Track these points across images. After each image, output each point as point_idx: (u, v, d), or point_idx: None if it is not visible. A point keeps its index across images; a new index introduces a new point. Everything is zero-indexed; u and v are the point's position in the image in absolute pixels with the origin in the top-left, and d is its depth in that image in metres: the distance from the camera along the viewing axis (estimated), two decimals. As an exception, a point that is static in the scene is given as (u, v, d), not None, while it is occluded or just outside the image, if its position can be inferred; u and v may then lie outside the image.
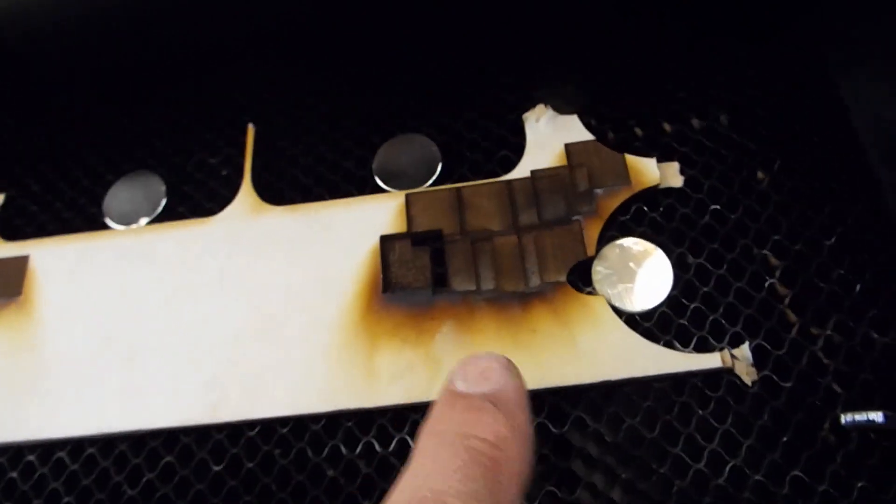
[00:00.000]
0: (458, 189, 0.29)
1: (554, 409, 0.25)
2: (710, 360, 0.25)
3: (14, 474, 0.27)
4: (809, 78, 0.30)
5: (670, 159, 0.29)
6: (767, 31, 0.32)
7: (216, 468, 0.26)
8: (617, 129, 0.30)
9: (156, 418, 0.26)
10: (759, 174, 0.29)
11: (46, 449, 0.27)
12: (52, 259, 0.30)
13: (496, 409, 0.18)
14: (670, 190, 0.28)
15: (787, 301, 0.26)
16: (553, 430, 0.25)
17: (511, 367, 0.19)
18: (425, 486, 0.16)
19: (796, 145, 0.29)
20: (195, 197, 0.31)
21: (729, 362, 0.25)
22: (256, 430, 0.26)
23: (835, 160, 0.28)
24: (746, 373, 0.24)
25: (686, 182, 0.28)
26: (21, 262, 0.30)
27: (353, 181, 0.31)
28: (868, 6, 0.30)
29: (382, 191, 0.30)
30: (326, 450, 0.26)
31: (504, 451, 0.17)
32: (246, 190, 0.30)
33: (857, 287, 0.26)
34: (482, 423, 0.17)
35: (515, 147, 0.30)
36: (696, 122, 0.30)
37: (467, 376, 0.19)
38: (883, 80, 0.29)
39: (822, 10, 0.31)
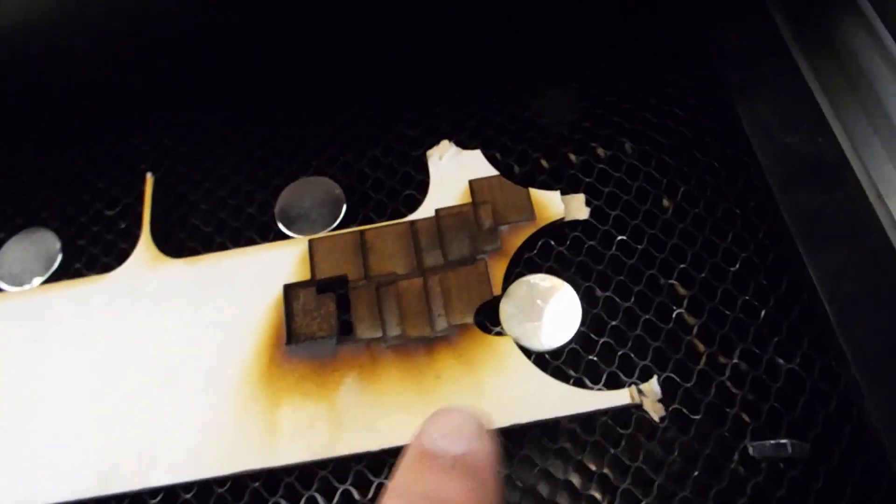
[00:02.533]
0: (362, 232, 0.28)
1: (464, 456, 0.25)
2: (619, 398, 0.24)
3: None
4: (710, 103, 0.30)
5: (576, 190, 0.29)
6: (666, 58, 0.32)
7: (115, 542, 0.25)
8: (522, 162, 0.30)
9: (45, 493, 0.25)
10: (665, 202, 0.28)
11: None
12: (-62, 326, 0.29)
13: (465, 474, 0.17)
14: (576, 222, 0.28)
15: (695, 331, 0.26)
16: (463, 479, 0.24)
17: (485, 429, 0.19)
18: None
19: (699, 171, 0.29)
20: (92, 252, 0.30)
21: (637, 398, 0.24)
22: (159, 497, 0.25)
23: (737, 185, 0.28)
24: (653, 409, 0.24)
25: (592, 213, 0.28)
26: None
27: (255, 227, 0.30)
28: (757, 28, 0.30)
29: (285, 237, 0.29)
30: (231, 514, 0.25)
31: None
32: (144, 243, 0.29)
33: (762, 313, 0.26)
34: (449, 490, 0.17)
35: (420, 185, 0.30)
36: (601, 152, 0.30)
37: (440, 432, 0.18)
38: (779, 102, 0.29)
39: (718, 34, 0.31)
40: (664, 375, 0.25)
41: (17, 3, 0.28)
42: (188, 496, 0.25)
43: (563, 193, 0.28)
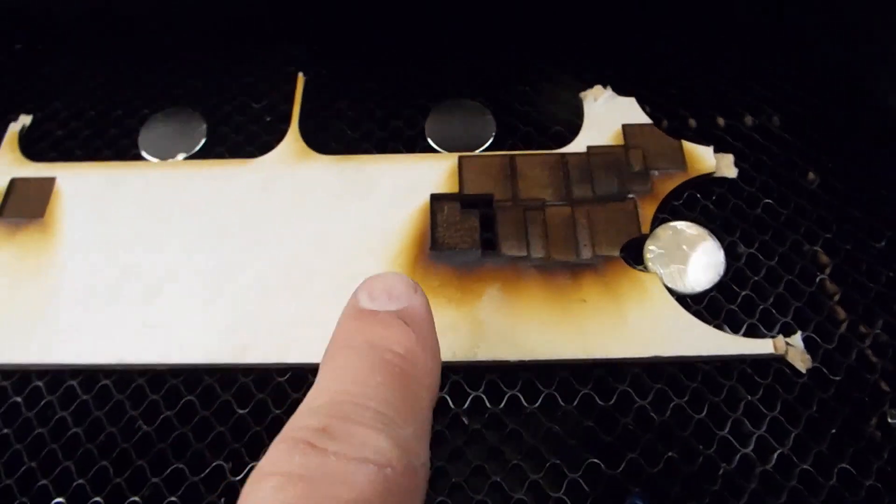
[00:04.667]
0: (512, 157, 0.28)
1: (600, 381, 0.25)
2: (763, 346, 0.24)
3: (18, 399, 0.25)
4: (859, 88, 0.31)
5: (723, 151, 0.29)
6: (820, 38, 0.32)
7: (240, 411, 0.24)
8: (671, 118, 0.30)
9: (179, 355, 0.25)
10: (811, 175, 0.29)
11: (55, 376, 0.25)
12: (79, 184, 0.29)
13: (406, 325, 0.18)
14: (723, 180, 0.28)
15: (836, 298, 0.26)
16: (599, 402, 0.24)
17: (417, 287, 0.19)
18: (342, 389, 0.16)
19: (846, 150, 0.29)
20: (236, 139, 0.30)
21: (783, 349, 0.24)
22: (287, 376, 0.25)
23: (885, 167, 0.29)
24: (801, 360, 0.24)
25: (739, 175, 0.28)
26: (47, 184, 0.29)
27: (401, 140, 0.30)
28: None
29: (434, 151, 0.29)
30: (360, 402, 0.24)
31: (416, 365, 0.17)
32: (292, 136, 0.29)
33: (907, 290, 0.26)
34: (394, 338, 0.17)
35: (569, 125, 0.30)
36: (749, 120, 0.30)
37: (373, 294, 0.18)
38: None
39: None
40: (805, 335, 0.25)
41: None
42: (314, 378, 0.25)
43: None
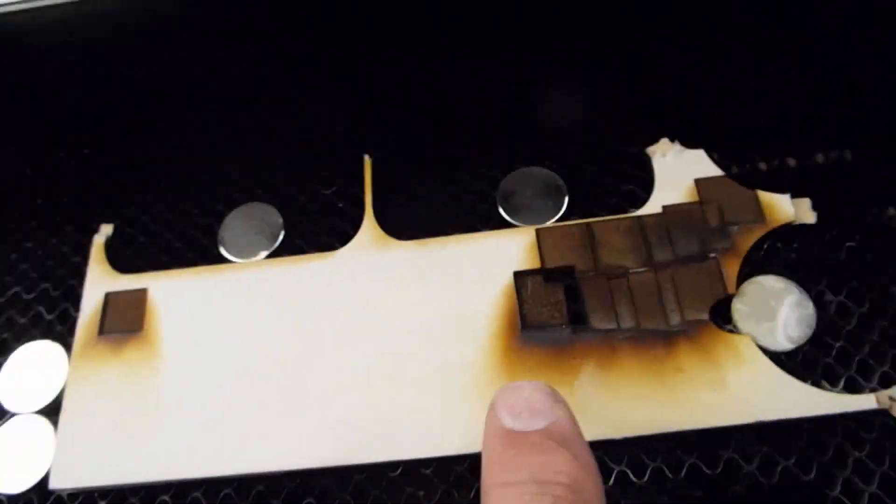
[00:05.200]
0: (589, 224, 0.29)
1: (705, 450, 0.25)
2: (865, 402, 0.25)
3: (149, 516, 0.26)
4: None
5: (797, 194, 0.29)
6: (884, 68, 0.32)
7: (360, 510, 0.25)
8: (740, 163, 0.30)
9: (293, 459, 0.26)
10: (891, 211, 0.29)
11: (180, 489, 0.27)
12: (170, 292, 0.30)
13: (560, 445, 0.17)
14: (802, 226, 0.28)
15: (932, 341, 0.26)
16: (706, 471, 0.25)
17: (556, 395, 0.18)
18: None
19: (926, 182, 0.29)
20: (312, 230, 0.31)
21: (887, 403, 0.24)
22: (399, 471, 0.26)
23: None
24: (906, 415, 0.24)
25: (818, 218, 0.28)
26: (140, 296, 0.30)
27: (474, 215, 0.30)
28: None
29: (508, 225, 0.30)
30: (472, 492, 0.25)
31: (584, 494, 0.16)
32: (368, 223, 0.30)
33: None
34: (556, 466, 0.16)
35: (639, 181, 0.30)
36: (820, 157, 0.30)
37: (515, 410, 0.18)
38: None
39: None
40: (906, 383, 0.25)
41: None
42: (427, 471, 0.26)
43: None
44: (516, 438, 0.17)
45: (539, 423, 0.17)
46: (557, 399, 0.18)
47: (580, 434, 0.18)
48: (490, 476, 0.17)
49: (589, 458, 0.17)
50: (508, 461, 0.17)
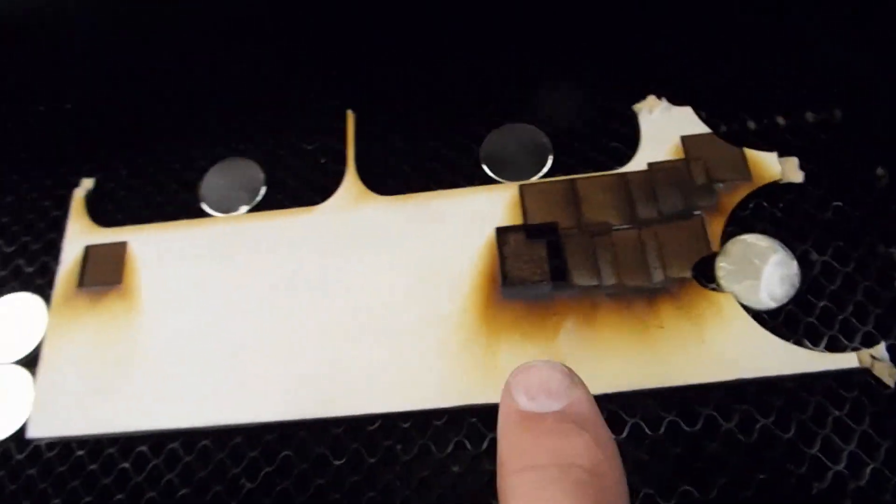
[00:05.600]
0: (573, 181, 0.28)
1: (684, 407, 0.25)
2: (846, 360, 0.24)
3: (126, 464, 0.26)
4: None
5: (785, 153, 0.28)
6: (879, 29, 0.31)
7: (337, 462, 0.25)
8: (728, 122, 0.30)
9: (271, 412, 0.26)
10: (879, 171, 0.28)
11: (157, 440, 0.27)
12: (150, 246, 0.29)
13: (578, 428, 0.16)
14: (789, 185, 0.28)
15: (917, 300, 0.26)
16: (685, 428, 0.25)
17: (573, 375, 0.17)
18: None
19: (917, 142, 0.28)
20: (293, 185, 0.31)
21: (868, 362, 0.24)
22: (377, 424, 0.26)
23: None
24: (888, 374, 0.24)
25: (805, 178, 0.28)
26: (120, 249, 0.29)
27: (459, 171, 0.30)
28: None
29: (492, 181, 0.29)
30: (451, 446, 0.25)
31: (604, 478, 0.16)
32: (350, 178, 0.30)
33: None
34: (576, 450, 0.16)
35: (625, 139, 0.30)
36: (810, 116, 0.30)
37: (531, 391, 0.17)
38: None
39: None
40: (889, 343, 0.25)
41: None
42: (405, 425, 0.26)
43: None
44: (533, 421, 0.16)
45: (556, 405, 0.17)
46: (575, 379, 0.17)
47: (599, 415, 0.17)
48: (509, 460, 0.16)
49: (609, 441, 0.17)
50: (527, 445, 0.16)
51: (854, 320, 0.26)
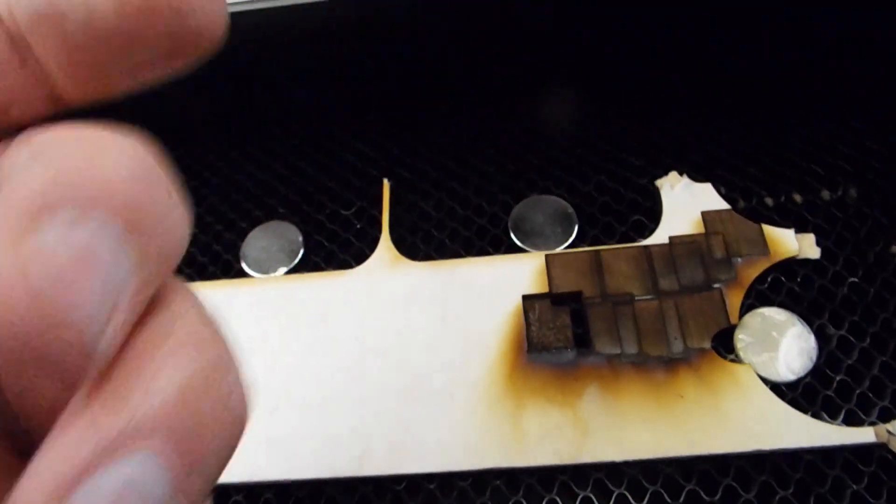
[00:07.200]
0: (597, 252, 0.30)
1: (704, 476, 0.25)
2: (863, 435, 0.25)
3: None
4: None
5: (802, 230, 0.30)
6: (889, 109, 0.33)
7: (364, 521, 0.26)
8: (747, 198, 0.31)
9: (301, 469, 0.27)
10: (894, 248, 0.29)
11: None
12: (192, 304, 0.31)
13: None
14: (806, 261, 0.29)
15: (932, 377, 0.26)
16: (705, 497, 0.25)
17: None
18: None
19: (930, 221, 0.29)
20: (330, 248, 0.32)
21: (885, 437, 0.25)
22: (403, 485, 0.27)
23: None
24: (904, 449, 0.25)
25: (822, 253, 0.29)
26: (163, 306, 0.31)
27: (488, 239, 0.31)
28: None
29: (519, 249, 0.31)
30: (475, 508, 0.26)
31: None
32: (385, 244, 0.31)
33: None
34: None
35: (648, 212, 0.31)
36: (826, 194, 0.31)
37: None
38: None
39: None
40: (905, 418, 0.26)
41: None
42: (431, 486, 0.27)
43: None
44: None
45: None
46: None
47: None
48: None
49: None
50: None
51: (871, 394, 0.26)
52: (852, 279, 0.28)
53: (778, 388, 0.27)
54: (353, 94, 0.34)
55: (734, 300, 0.28)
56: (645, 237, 0.30)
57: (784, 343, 0.27)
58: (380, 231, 0.32)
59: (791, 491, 0.25)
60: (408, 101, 0.34)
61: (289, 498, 0.27)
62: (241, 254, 0.32)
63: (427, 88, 0.34)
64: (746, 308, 0.28)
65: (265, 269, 0.32)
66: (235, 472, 0.27)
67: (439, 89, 0.34)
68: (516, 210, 0.32)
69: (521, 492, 0.26)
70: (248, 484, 0.27)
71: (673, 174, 0.31)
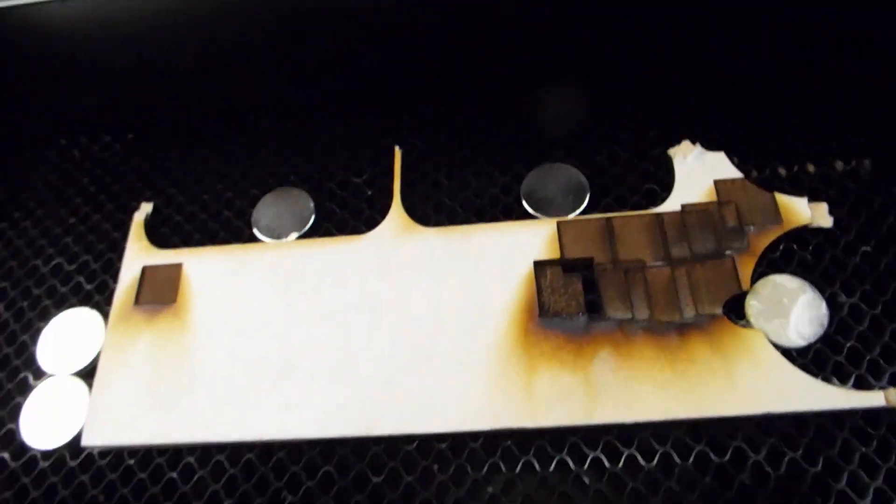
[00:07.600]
0: (609, 219, 0.30)
1: (714, 438, 0.26)
2: (874, 399, 0.25)
3: (174, 475, 0.27)
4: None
5: (815, 199, 0.30)
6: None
7: (375, 479, 0.26)
8: (760, 168, 0.31)
9: (314, 429, 0.27)
10: (906, 218, 0.29)
11: (204, 451, 0.28)
12: (204, 268, 0.31)
13: None
14: (819, 230, 0.29)
15: (943, 344, 0.26)
16: (714, 458, 0.25)
17: None
18: None
19: (942, 192, 0.30)
20: (341, 215, 0.32)
21: (894, 401, 0.25)
22: (414, 444, 0.27)
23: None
24: (914, 413, 0.25)
25: (834, 223, 0.29)
26: (175, 270, 0.31)
27: (498, 206, 0.32)
28: None
29: (530, 217, 0.31)
30: (486, 467, 0.26)
31: None
32: (396, 210, 0.31)
33: None
34: None
35: (660, 181, 0.31)
36: (839, 165, 0.31)
37: None
38: None
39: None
40: (915, 384, 0.26)
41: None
42: (443, 446, 0.27)
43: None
44: None
45: None
46: None
47: None
48: None
49: None
50: None
51: (882, 361, 0.26)
52: (865, 248, 0.29)
53: (789, 354, 0.27)
54: (367, 63, 0.34)
55: (746, 268, 0.28)
56: (657, 205, 0.30)
57: (795, 310, 0.27)
58: (391, 199, 0.32)
59: (800, 453, 0.25)
60: (422, 69, 0.34)
61: (301, 456, 0.27)
62: (253, 220, 0.33)
63: (441, 58, 0.34)
64: (758, 276, 0.28)
65: (276, 235, 0.32)
66: (247, 430, 0.27)
67: (453, 59, 0.34)
68: (529, 178, 0.32)
69: (531, 452, 0.26)
70: (261, 442, 0.27)
71: (686, 143, 0.31)
